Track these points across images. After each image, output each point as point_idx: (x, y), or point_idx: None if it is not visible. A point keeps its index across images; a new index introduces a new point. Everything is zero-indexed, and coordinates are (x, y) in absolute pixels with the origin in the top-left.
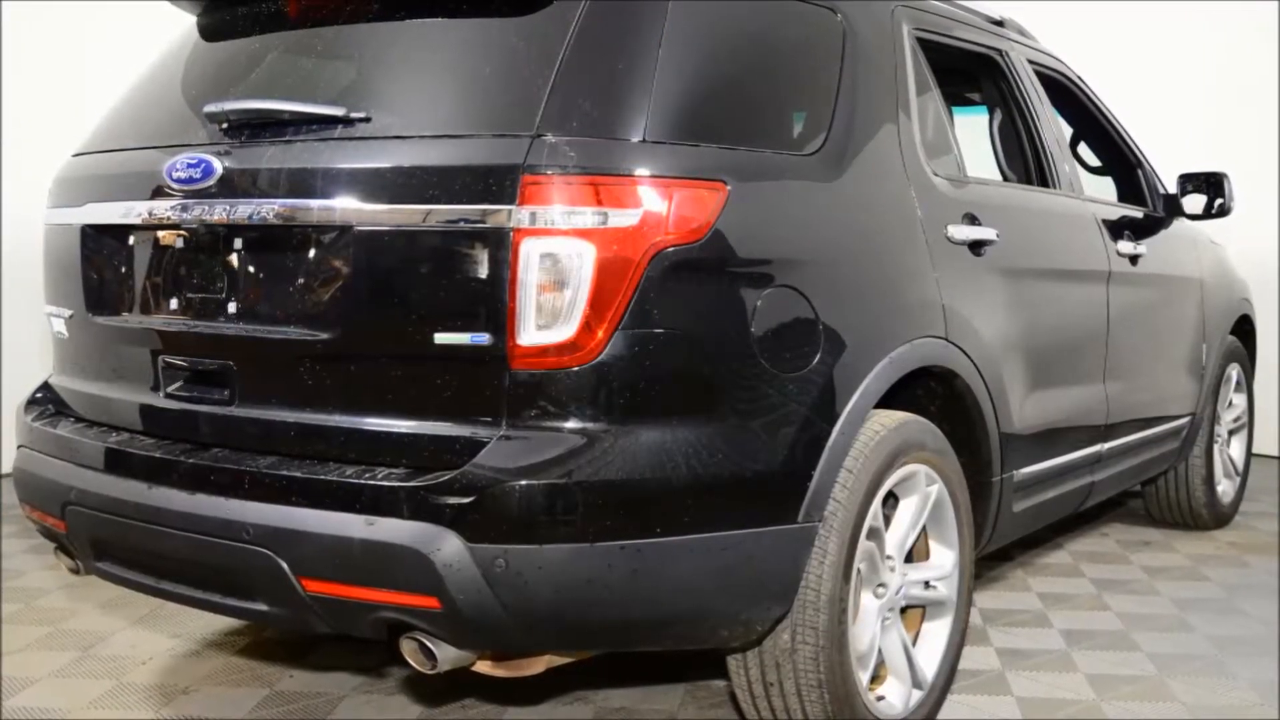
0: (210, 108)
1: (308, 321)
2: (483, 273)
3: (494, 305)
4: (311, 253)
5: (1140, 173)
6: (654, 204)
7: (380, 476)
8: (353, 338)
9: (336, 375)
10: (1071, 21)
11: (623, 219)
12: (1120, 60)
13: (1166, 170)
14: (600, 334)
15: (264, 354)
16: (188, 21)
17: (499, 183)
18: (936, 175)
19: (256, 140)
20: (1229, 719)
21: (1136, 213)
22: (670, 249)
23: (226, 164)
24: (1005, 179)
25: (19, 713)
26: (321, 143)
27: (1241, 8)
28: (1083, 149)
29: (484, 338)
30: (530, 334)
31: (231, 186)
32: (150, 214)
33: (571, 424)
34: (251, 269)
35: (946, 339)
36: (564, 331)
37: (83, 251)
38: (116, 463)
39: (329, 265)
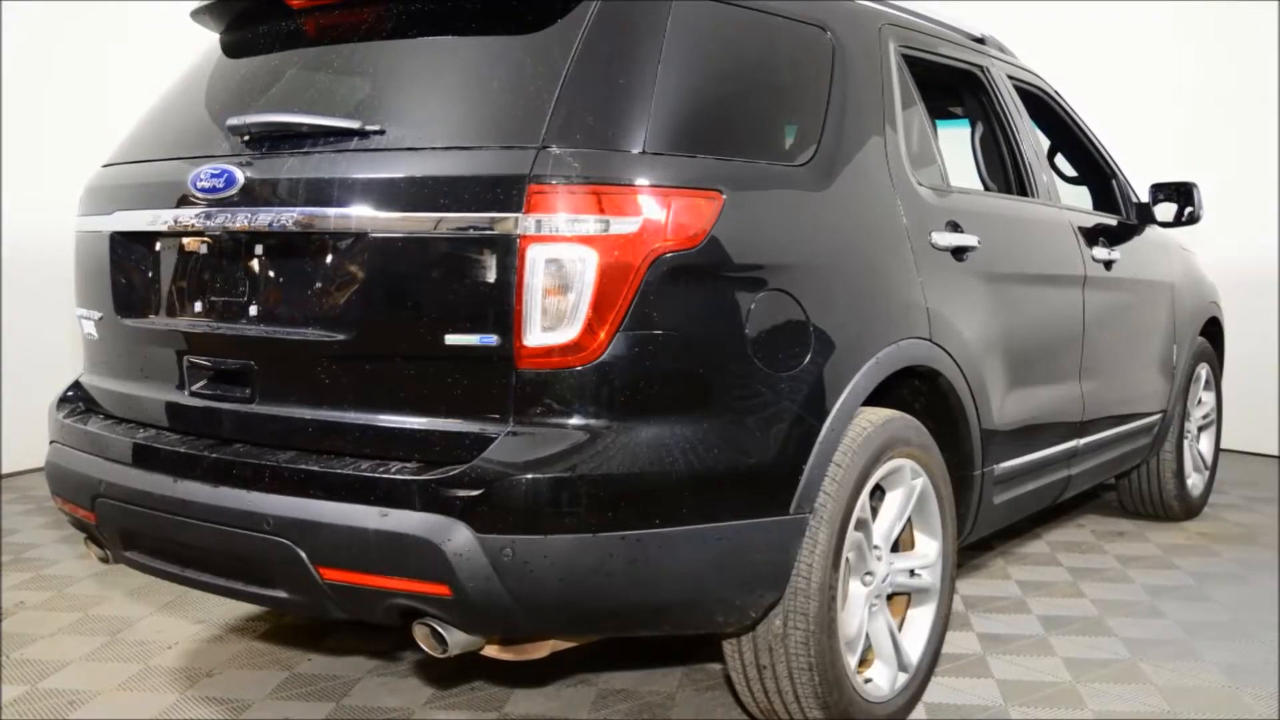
0: (232, 121)
1: (325, 323)
2: (491, 277)
3: (501, 308)
4: (328, 258)
5: (1114, 182)
6: (653, 212)
7: (394, 470)
8: (367, 339)
9: (352, 374)
10: (1056, 27)
11: (623, 226)
12: (1107, 65)
13: (1161, 172)
14: (602, 335)
15: (283, 354)
16: (210, 39)
17: (506, 192)
18: (921, 185)
19: (276, 152)
20: (1198, 700)
21: (1110, 220)
22: (669, 254)
23: (248, 174)
24: (986, 188)
25: (52, 694)
26: (338, 154)
27: (1224, 9)
28: (1060, 160)
29: (492, 339)
30: (536, 335)
31: (252, 195)
32: (176, 222)
33: (575, 420)
34: (271, 274)
35: (930, 340)
36: (568, 333)
37: (112, 257)
38: (144, 457)
39: (345, 270)
